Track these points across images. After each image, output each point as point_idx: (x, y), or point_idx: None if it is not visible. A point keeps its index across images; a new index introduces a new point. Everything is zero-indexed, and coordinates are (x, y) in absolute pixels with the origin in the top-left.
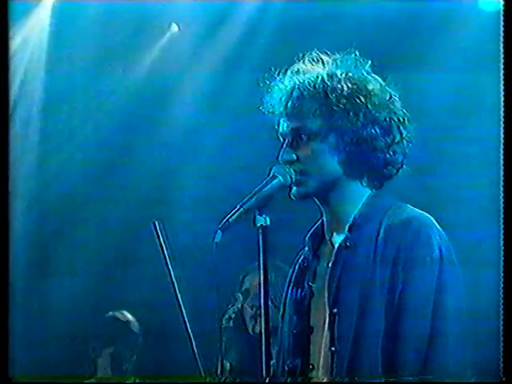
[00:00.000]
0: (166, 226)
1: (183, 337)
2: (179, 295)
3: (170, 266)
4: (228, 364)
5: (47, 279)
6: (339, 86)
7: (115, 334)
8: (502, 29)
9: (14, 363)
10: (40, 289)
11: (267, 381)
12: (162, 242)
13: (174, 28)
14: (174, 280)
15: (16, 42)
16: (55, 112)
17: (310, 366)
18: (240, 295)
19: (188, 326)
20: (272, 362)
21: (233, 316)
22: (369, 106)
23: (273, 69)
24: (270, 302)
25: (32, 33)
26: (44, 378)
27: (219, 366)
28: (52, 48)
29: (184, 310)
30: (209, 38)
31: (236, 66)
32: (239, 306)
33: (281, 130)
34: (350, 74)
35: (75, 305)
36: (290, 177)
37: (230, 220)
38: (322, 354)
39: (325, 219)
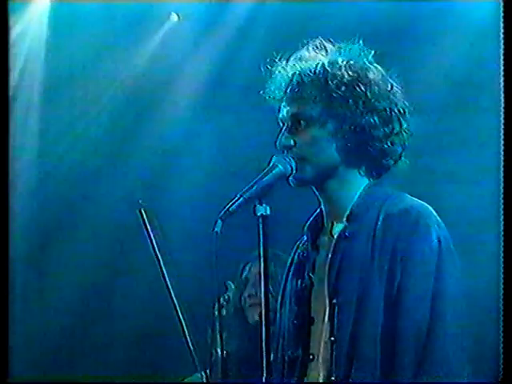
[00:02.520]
0: (166, 218)
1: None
2: (170, 288)
3: (158, 255)
4: (224, 353)
5: (47, 275)
6: (339, 73)
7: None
8: (502, 20)
9: (13, 363)
10: (40, 286)
11: (267, 372)
12: (150, 230)
13: (174, 18)
14: (164, 270)
15: (15, 31)
16: (55, 103)
17: (311, 357)
18: (231, 284)
19: (181, 318)
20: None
21: (225, 304)
22: (368, 94)
23: (275, 55)
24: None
25: (31, 22)
26: (44, 377)
27: (212, 357)
28: (51, 38)
29: (176, 302)
30: (209, 27)
31: (236, 56)
32: (230, 294)
33: (280, 115)
34: (352, 62)
35: (76, 302)
36: (291, 166)
37: (231, 209)
38: (322, 344)
39: (323, 209)
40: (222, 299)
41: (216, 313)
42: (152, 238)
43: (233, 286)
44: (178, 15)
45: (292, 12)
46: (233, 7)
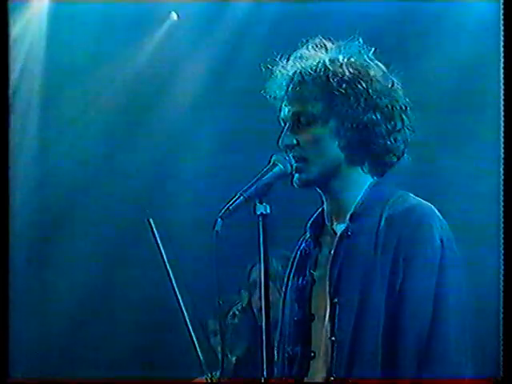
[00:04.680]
0: (167, 217)
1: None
2: (178, 293)
3: (167, 264)
4: (234, 358)
5: (48, 275)
6: (340, 70)
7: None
8: (502, 21)
9: (13, 364)
10: (40, 286)
11: (267, 374)
12: (158, 240)
13: (174, 17)
14: (172, 277)
15: (15, 30)
16: (54, 101)
17: (312, 354)
18: (244, 293)
19: (188, 322)
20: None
21: (237, 313)
22: (370, 91)
23: (275, 54)
24: (277, 293)
25: (31, 21)
26: (44, 378)
27: (224, 362)
28: (51, 38)
29: (184, 308)
30: (208, 26)
31: (236, 54)
32: (244, 303)
33: (282, 114)
34: (352, 60)
35: (76, 302)
36: (291, 165)
37: (231, 208)
38: (323, 342)
39: (326, 207)
40: (235, 308)
41: (229, 320)
42: (161, 247)
43: (247, 295)
44: (177, 14)
45: (292, 11)
46: (233, 6)
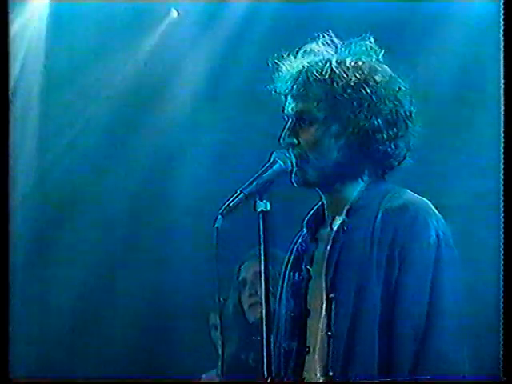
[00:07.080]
0: (167, 213)
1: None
2: None
3: None
4: (225, 356)
5: (47, 274)
6: (346, 74)
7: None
8: (503, 17)
9: (14, 363)
10: (40, 286)
11: (267, 371)
12: None
13: (174, 14)
14: None
15: (15, 26)
16: (55, 100)
17: (307, 349)
18: (234, 291)
19: None
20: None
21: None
22: (374, 98)
23: (283, 51)
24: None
25: (32, 17)
26: (44, 377)
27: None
28: (51, 33)
29: None
30: (208, 23)
31: (237, 51)
32: (235, 301)
33: (286, 110)
34: (360, 64)
35: (76, 302)
36: (291, 162)
37: (231, 205)
38: (319, 337)
39: (324, 203)
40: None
41: (221, 316)
42: None
43: (237, 293)
44: (177, 11)
45: (292, 9)
46: (233, 3)
